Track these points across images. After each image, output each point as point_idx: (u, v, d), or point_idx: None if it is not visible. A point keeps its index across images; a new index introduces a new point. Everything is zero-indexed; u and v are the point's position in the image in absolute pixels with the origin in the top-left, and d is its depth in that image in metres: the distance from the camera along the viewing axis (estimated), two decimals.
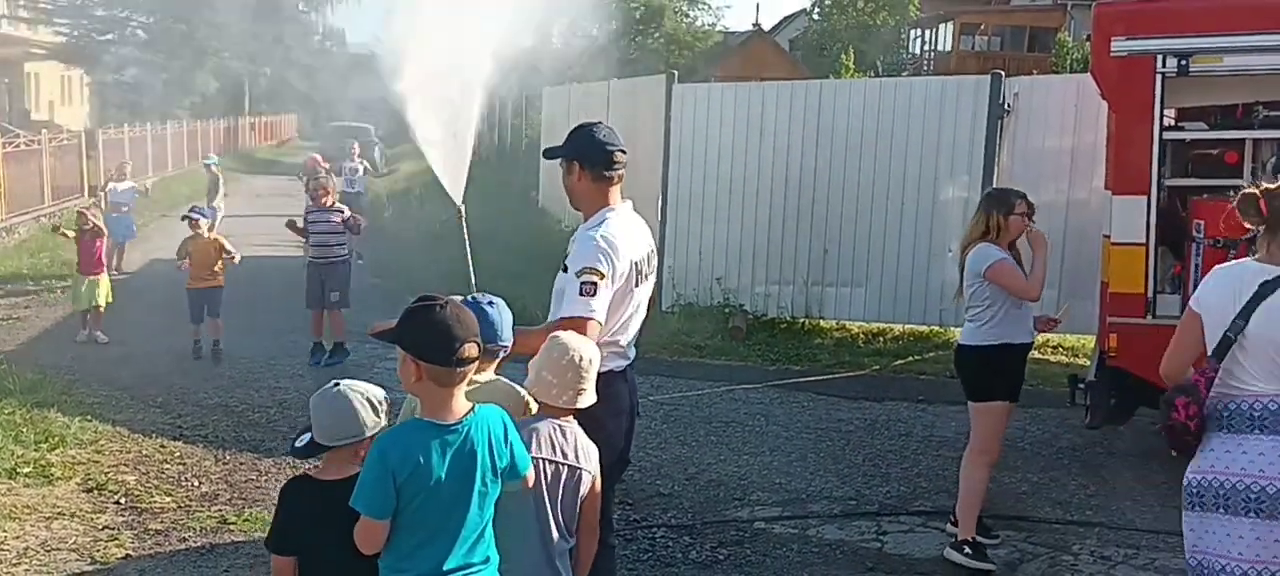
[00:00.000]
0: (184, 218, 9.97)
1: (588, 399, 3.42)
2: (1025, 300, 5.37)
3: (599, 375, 3.61)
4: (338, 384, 3.14)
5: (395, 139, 48.82)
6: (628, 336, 4.02)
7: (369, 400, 3.13)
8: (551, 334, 3.54)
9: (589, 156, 3.97)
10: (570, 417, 3.46)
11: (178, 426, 7.62)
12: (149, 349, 9.77)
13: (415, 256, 15.06)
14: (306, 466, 3.24)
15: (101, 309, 10.40)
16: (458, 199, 5.80)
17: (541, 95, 22.26)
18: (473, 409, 2.94)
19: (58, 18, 41.27)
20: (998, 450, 5.70)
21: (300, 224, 9.95)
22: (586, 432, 3.60)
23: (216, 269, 9.79)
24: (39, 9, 40.96)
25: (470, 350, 2.85)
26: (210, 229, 10.03)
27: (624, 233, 3.91)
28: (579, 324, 3.66)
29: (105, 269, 10.65)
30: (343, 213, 9.97)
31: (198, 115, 39.18)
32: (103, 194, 15.81)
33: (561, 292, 3.83)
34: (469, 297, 3.52)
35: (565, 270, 3.84)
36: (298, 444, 3.14)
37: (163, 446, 7.11)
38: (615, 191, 4.00)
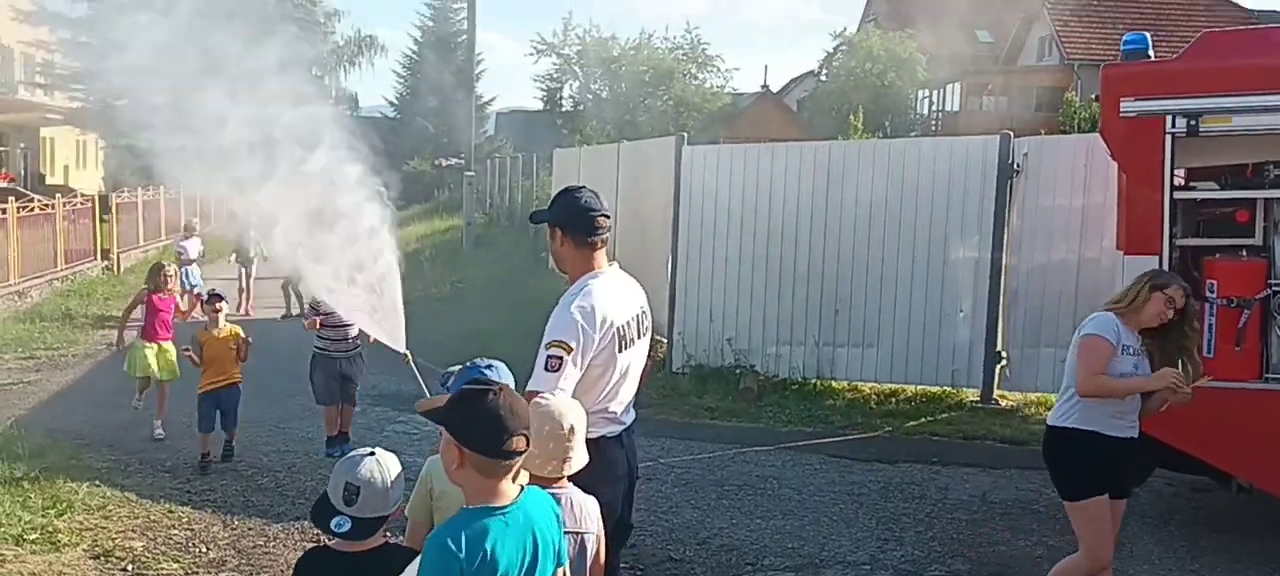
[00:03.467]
0: (206, 300, 8.71)
1: (577, 464, 3.34)
2: (1079, 383, 4.80)
3: (591, 442, 3.57)
4: (373, 453, 3.08)
5: (406, 201, 49.08)
6: (618, 402, 3.98)
7: (399, 464, 3.12)
8: (533, 401, 3.43)
9: (572, 222, 3.97)
10: (563, 483, 3.37)
11: (186, 491, 7.58)
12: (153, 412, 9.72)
13: (422, 318, 15.04)
14: (325, 537, 3.14)
15: (165, 385, 9.22)
16: (401, 348, 5.81)
17: (552, 156, 22.40)
18: (522, 490, 2.81)
19: (73, 83, 41.77)
20: (1107, 556, 4.93)
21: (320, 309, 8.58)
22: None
23: (234, 364, 8.46)
24: (55, 74, 41.49)
25: (519, 443, 2.71)
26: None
27: (606, 298, 3.87)
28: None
29: (171, 336, 9.34)
30: None
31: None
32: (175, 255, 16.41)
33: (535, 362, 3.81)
34: (470, 364, 3.51)
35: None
36: (340, 531, 2.99)
37: (170, 511, 7.07)
38: (600, 255, 3.99)
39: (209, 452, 8.32)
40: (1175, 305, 4.91)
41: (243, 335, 8.54)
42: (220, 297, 8.70)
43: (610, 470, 3.92)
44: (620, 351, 3.91)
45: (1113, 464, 4.89)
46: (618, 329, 3.88)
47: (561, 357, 3.67)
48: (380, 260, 6.60)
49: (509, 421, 2.69)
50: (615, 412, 3.98)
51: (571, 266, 4.00)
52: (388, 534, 3.15)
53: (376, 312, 6.71)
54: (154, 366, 9.20)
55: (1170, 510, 7.51)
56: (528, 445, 2.76)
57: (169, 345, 9.30)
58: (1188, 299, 5.01)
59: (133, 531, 6.68)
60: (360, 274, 6.69)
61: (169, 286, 9.42)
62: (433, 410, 2.87)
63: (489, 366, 3.42)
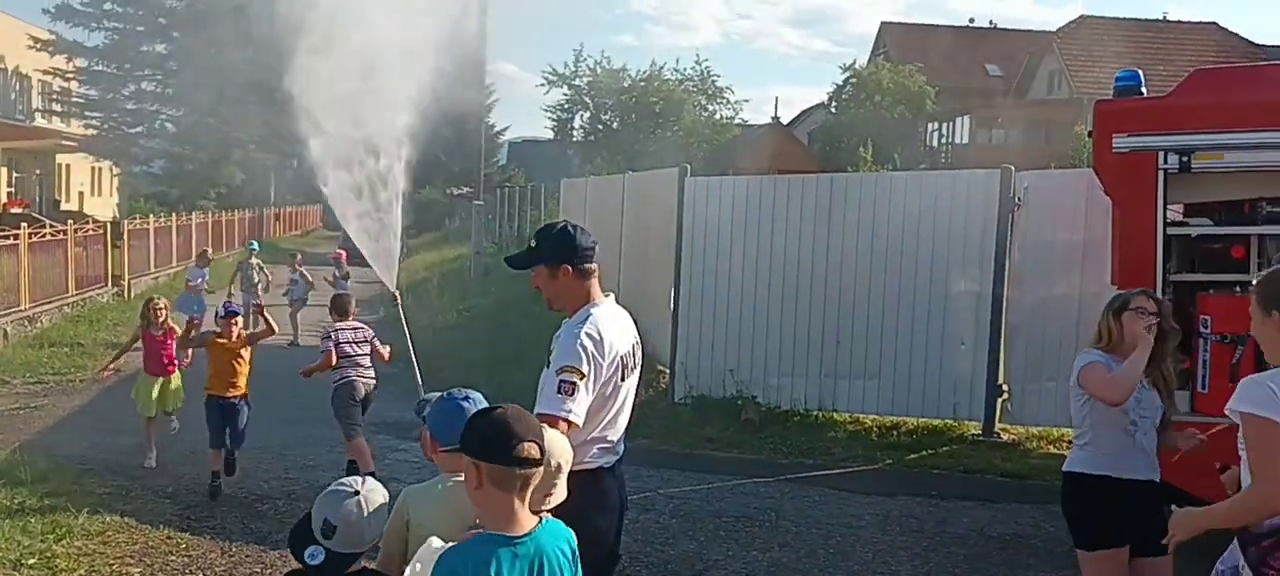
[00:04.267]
0: (222, 316, 8.63)
1: (558, 499, 3.37)
2: (1105, 402, 4.44)
3: (587, 471, 3.59)
4: (356, 491, 3.12)
5: (417, 230, 49.21)
6: (615, 431, 4.01)
7: (385, 499, 3.15)
8: None
9: (571, 256, 3.98)
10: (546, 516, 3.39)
11: (185, 517, 7.62)
12: (163, 439, 9.71)
13: (430, 346, 15.11)
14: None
15: (170, 414, 9.30)
16: (391, 285, 5.75)
17: (559, 186, 22.51)
18: (541, 521, 2.84)
19: (89, 111, 42.25)
20: None
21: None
22: (572, 531, 3.58)
23: (242, 376, 8.43)
24: (71, 102, 41.98)
25: (531, 450, 2.74)
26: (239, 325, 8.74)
27: (609, 326, 3.91)
28: (552, 422, 3.61)
29: (177, 368, 9.36)
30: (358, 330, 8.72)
31: (224, 206, 39.75)
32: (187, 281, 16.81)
33: (543, 387, 3.82)
34: (447, 393, 3.54)
35: (548, 366, 3.82)
36: (313, 562, 3.04)
37: (169, 537, 7.11)
38: (595, 284, 4.02)
39: (218, 471, 8.24)
40: (1148, 311, 4.56)
41: (247, 334, 8.61)
42: (236, 313, 8.69)
43: (605, 499, 3.95)
44: (623, 380, 3.95)
45: (1130, 511, 4.46)
46: (621, 357, 3.92)
47: (574, 382, 3.70)
48: (389, 210, 6.86)
49: (517, 427, 2.73)
50: (612, 442, 4.00)
51: (571, 301, 4.01)
52: (365, 561, 3.19)
53: (376, 248, 6.99)
54: (157, 402, 9.17)
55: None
56: (542, 454, 2.79)
57: (174, 378, 9.30)
58: (1159, 300, 4.78)
59: (130, 558, 6.72)
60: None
61: (160, 320, 9.32)
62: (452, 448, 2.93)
63: (465, 398, 3.45)
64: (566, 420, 3.67)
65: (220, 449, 8.32)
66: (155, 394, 9.24)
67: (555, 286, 4.02)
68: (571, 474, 3.65)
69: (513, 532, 2.76)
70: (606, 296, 4.07)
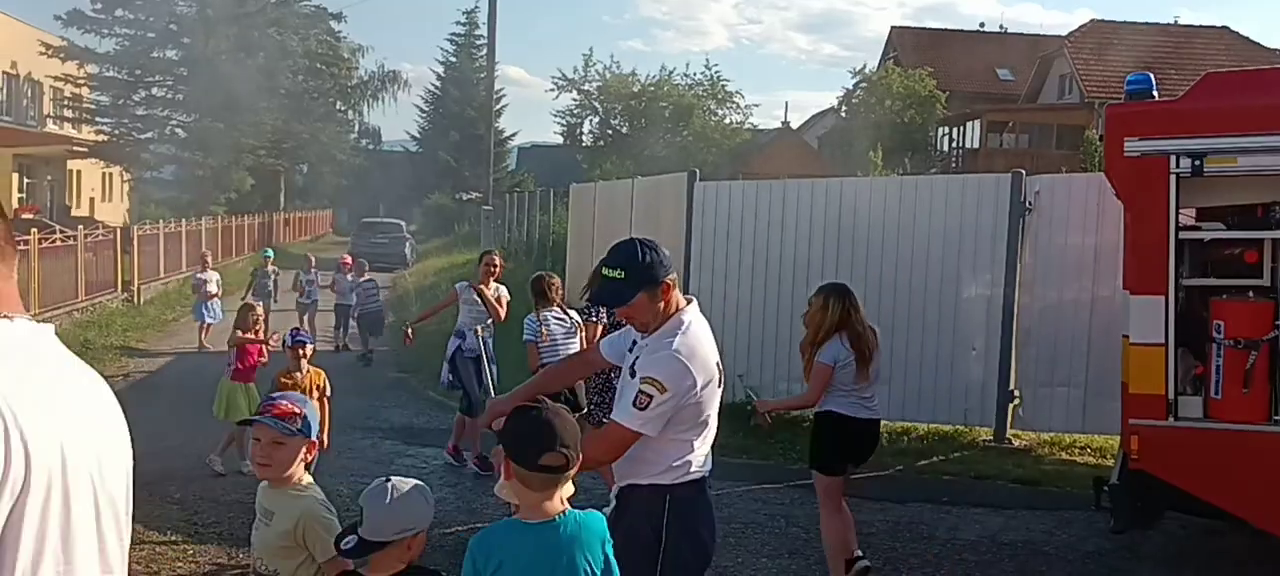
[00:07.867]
0: (288, 345, 7.71)
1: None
2: None
3: (694, 481, 3.63)
4: (389, 479, 3.16)
5: (426, 235, 49.32)
6: (710, 439, 3.84)
7: (421, 494, 3.15)
8: None
9: (668, 270, 3.73)
10: None
11: (193, 523, 7.60)
12: (171, 444, 9.71)
13: (436, 351, 15.09)
14: (349, 566, 3.23)
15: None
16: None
17: (568, 191, 22.51)
18: (566, 510, 2.98)
19: (100, 117, 42.41)
20: None
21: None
22: (688, 550, 3.59)
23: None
24: (82, 108, 42.14)
25: (553, 459, 2.89)
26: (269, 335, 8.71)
27: (704, 336, 3.73)
28: (620, 431, 3.57)
29: (255, 377, 9.14)
30: None
31: (234, 211, 39.82)
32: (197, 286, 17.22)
33: (621, 393, 3.73)
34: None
35: (633, 375, 3.64)
36: (344, 546, 3.10)
37: (175, 544, 7.10)
38: (677, 292, 3.76)
39: None
40: None
41: (325, 384, 7.62)
42: (304, 342, 7.77)
43: (709, 511, 3.89)
44: (718, 386, 3.78)
45: None
46: (717, 364, 3.76)
47: (653, 396, 3.51)
48: None
49: (545, 436, 2.89)
50: (708, 451, 3.84)
51: (657, 317, 3.72)
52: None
53: None
54: (245, 409, 8.69)
55: (1181, 554, 7.42)
56: (569, 464, 2.93)
57: (253, 387, 9.06)
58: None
59: (136, 564, 6.68)
60: None
61: (255, 328, 9.21)
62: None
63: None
64: (638, 432, 3.55)
65: None
66: (242, 402, 8.85)
67: (654, 307, 3.69)
68: (683, 483, 3.68)
69: (538, 520, 2.93)
70: (689, 302, 3.82)
